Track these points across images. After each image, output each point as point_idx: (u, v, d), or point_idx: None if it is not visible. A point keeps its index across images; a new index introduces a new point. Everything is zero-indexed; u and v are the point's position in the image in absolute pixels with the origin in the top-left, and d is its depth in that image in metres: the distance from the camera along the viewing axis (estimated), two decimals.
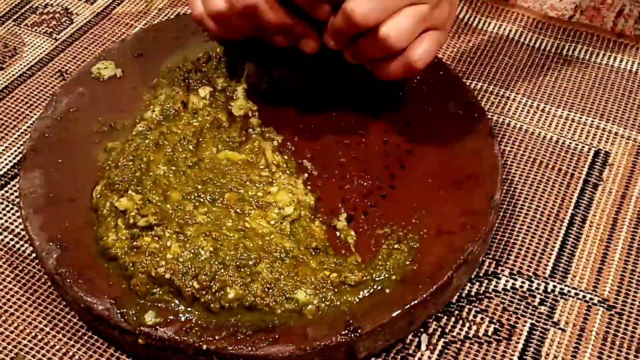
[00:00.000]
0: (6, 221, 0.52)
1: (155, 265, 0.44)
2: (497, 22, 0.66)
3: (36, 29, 0.66)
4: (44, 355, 0.45)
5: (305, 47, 0.50)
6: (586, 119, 0.59)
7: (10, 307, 0.47)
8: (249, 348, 0.41)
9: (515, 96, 0.60)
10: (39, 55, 0.64)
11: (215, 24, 0.49)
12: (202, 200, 0.47)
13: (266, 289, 0.43)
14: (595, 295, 0.48)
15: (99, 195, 0.48)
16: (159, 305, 0.43)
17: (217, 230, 0.45)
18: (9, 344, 0.45)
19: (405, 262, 0.45)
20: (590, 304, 0.48)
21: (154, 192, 0.47)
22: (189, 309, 0.43)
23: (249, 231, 0.46)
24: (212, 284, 0.43)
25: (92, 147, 0.52)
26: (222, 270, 0.43)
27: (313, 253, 0.45)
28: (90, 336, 0.46)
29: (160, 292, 0.44)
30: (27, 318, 0.46)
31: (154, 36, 0.60)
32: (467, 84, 0.60)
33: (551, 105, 0.60)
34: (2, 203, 0.53)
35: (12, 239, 0.51)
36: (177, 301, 0.43)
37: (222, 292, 0.43)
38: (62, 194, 0.49)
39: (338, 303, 0.43)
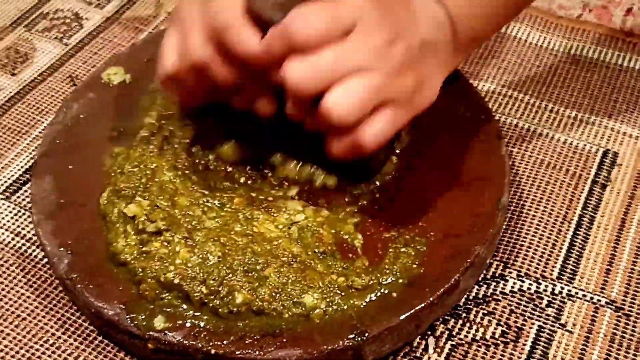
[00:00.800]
0: (18, 226, 0.53)
1: (164, 271, 0.44)
2: None
3: (47, 35, 0.67)
4: (54, 359, 0.45)
5: (261, 108, 0.45)
6: (594, 119, 0.59)
7: (23, 311, 0.48)
8: (257, 352, 0.42)
9: (523, 97, 0.60)
10: (49, 61, 0.65)
11: (175, 88, 0.47)
12: (210, 205, 0.48)
13: (274, 294, 0.43)
14: (603, 297, 0.48)
15: (105, 202, 0.48)
16: (168, 310, 0.44)
17: (226, 235, 0.46)
18: (21, 348, 0.46)
19: (412, 265, 0.46)
20: (597, 305, 0.48)
21: (162, 197, 0.47)
22: (198, 314, 0.43)
23: (257, 236, 0.46)
24: (220, 288, 0.43)
25: (102, 153, 0.52)
26: (230, 275, 0.44)
27: (320, 257, 0.46)
28: (101, 341, 0.46)
29: (169, 297, 0.44)
30: (38, 323, 0.47)
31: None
32: (474, 85, 0.60)
33: (559, 106, 0.60)
34: (14, 209, 0.54)
35: (24, 244, 0.52)
36: (185, 306, 0.44)
37: (230, 297, 0.43)
38: (73, 200, 0.50)
39: (345, 307, 0.44)
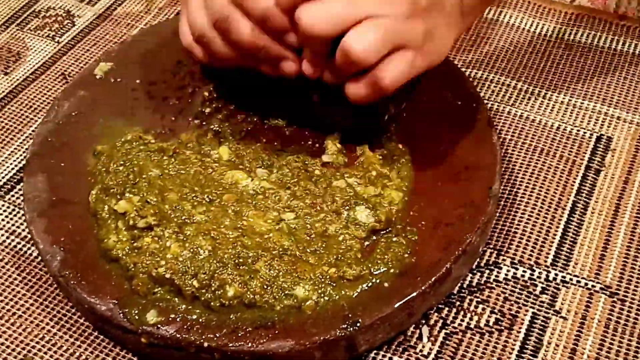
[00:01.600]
0: (13, 225, 0.53)
1: (156, 266, 0.44)
2: (496, 8, 0.66)
3: (39, 33, 0.67)
4: (51, 356, 0.46)
5: (285, 69, 0.46)
6: (588, 104, 0.58)
7: (18, 309, 0.48)
8: (249, 345, 0.42)
9: (515, 83, 0.60)
10: (42, 59, 0.65)
11: (203, 50, 0.48)
12: (199, 200, 0.48)
13: (265, 286, 0.44)
14: (598, 283, 0.48)
15: (95, 199, 0.48)
16: (160, 304, 0.44)
17: (216, 229, 0.46)
18: (17, 345, 0.46)
19: (403, 255, 0.46)
20: (592, 291, 0.48)
21: (151, 193, 0.47)
22: (190, 308, 0.43)
23: (247, 229, 0.46)
24: (211, 282, 0.44)
25: (93, 149, 0.53)
26: (221, 269, 0.44)
27: (311, 250, 0.46)
28: (96, 336, 0.46)
29: (162, 292, 0.44)
30: (34, 320, 0.47)
31: (153, 37, 0.61)
32: (466, 72, 0.59)
33: (552, 92, 0.59)
34: (8, 207, 0.54)
35: (19, 243, 0.52)
36: (177, 300, 0.44)
37: (222, 290, 0.43)
38: (65, 198, 0.50)
39: (337, 298, 0.44)
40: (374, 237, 0.46)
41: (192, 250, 0.45)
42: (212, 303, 0.43)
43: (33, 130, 0.59)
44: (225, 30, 0.46)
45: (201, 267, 0.44)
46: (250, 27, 0.45)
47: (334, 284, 0.44)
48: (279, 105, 0.54)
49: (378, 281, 0.44)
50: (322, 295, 0.44)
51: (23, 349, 0.46)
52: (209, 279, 0.44)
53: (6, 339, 0.47)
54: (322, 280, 0.44)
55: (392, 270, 0.45)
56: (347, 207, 0.47)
